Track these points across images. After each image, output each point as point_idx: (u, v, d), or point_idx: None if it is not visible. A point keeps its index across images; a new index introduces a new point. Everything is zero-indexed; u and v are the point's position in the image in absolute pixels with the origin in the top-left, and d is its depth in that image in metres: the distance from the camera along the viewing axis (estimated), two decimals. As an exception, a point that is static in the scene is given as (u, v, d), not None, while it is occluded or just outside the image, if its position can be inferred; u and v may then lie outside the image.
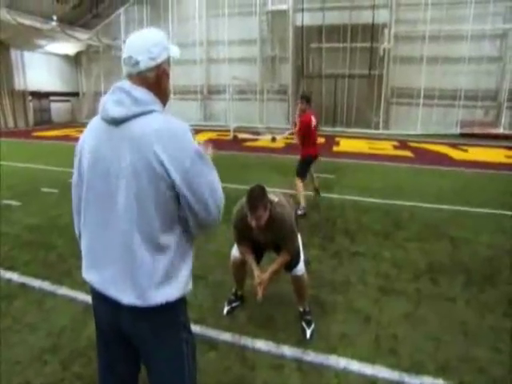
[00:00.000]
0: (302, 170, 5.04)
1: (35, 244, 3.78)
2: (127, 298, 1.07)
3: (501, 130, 14.92)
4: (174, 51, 1.17)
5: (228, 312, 2.59)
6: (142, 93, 1.07)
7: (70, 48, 20.80)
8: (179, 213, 1.10)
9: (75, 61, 22.54)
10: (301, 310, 2.49)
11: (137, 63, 1.09)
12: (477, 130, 14.83)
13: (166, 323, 1.15)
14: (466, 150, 11.31)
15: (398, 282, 3.04)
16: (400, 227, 4.38)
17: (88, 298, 2.69)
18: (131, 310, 1.08)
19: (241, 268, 2.56)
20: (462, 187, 6.56)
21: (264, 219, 2.10)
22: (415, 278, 3.13)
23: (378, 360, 2.12)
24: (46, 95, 20.05)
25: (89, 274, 1.15)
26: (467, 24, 15.04)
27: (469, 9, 15.00)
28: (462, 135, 14.87)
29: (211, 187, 1.09)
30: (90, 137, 1.13)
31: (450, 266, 3.36)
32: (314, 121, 4.98)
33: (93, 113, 22.77)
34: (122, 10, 20.49)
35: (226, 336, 2.34)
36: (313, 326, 2.40)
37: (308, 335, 2.34)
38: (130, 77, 1.11)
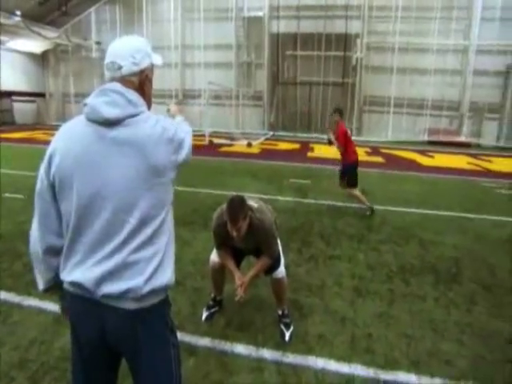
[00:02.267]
0: (354, 178, 5.29)
1: None
2: (117, 287, 1.06)
3: (463, 138, 15.90)
4: (157, 59, 1.21)
5: (207, 318, 2.58)
6: (133, 94, 1.11)
7: (35, 46, 19.89)
8: (168, 208, 1.16)
9: (42, 60, 21.56)
10: (280, 312, 2.53)
11: (119, 68, 1.11)
12: (442, 138, 15.74)
13: (155, 323, 1.15)
14: (432, 157, 11.92)
15: (372, 284, 3.16)
16: (373, 231, 4.55)
17: (58, 308, 2.61)
18: (121, 309, 1.07)
19: (220, 273, 2.57)
20: (429, 192, 6.91)
21: (244, 228, 2.13)
22: (388, 278, 3.27)
23: (355, 358, 2.19)
24: (8, 94, 18.95)
25: (74, 277, 1.10)
26: (432, 38, 15.97)
27: (433, 24, 15.94)
28: (429, 142, 15.71)
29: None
30: (73, 141, 1.09)
31: (420, 267, 3.54)
32: (349, 131, 5.39)
33: (61, 115, 21.94)
34: (92, 10, 19.96)
35: (205, 341, 2.33)
36: (292, 328, 2.44)
37: (287, 337, 2.38)
38: (113, 81, 1.12)
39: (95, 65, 20.42)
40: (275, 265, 2.40)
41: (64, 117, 21.98)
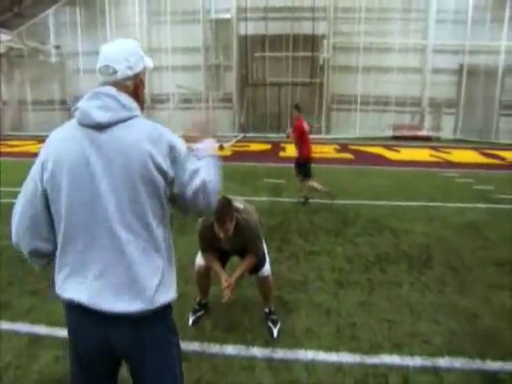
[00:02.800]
0: (308, 171, 5.59)
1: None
2: (128, 306, 1.04)
3: (424, 133, 16.80)
4: (149, 62, 1.20)
5: (193, 322, 2.57)
6: (126, 98, 1.09)
7: (-16, 50, 18.65)
8: (166, 212, 1.15)
9: (-7, 65, 20.29)
10: (266, 310, 2.57)
11: (115, 72, 1.10)
12: (406, 133, 16.54)
13: (160, 327, 1.14)
14: (398, 151, 12.49)
15: (352, 275, 3.29)
16: (348, 224, 4.72)
17: (34, 329, 2.52)
18: (129, 319, 1.05)
19: (205, 276, 2.57)
20: (397, 184, 7.26)
21: (231, 229, 2.17)
22: (366, 269, 3.42)
23: (341, 347, 2.28)
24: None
25: (75, 293, 1.06)
26: (394, 38, 16.76)
27: (395, 25, 16.73)
28: (394, 137, 16.44)
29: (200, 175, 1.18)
30: (65, 147, 1.07)
31: (394, 255, 3.73)
32: (306, 126, 5.58)
33: (18, 124, 20.68)
34: (50, 11, 19.04)
35: (194, 346, 2.32)
36: (279, 324, 2.49)
37: (275, 334, 2.42)
38: (106, 85, 1.10)
39: (55, 70, 19.53)
40: (261, 263, 2.45)
41: (21, 126, 20.74)
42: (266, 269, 2.48)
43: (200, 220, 2.34)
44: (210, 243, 2.36)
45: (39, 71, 19.54)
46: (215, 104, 18.16)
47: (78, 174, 1.04)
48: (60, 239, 1.08)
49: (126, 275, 1.04)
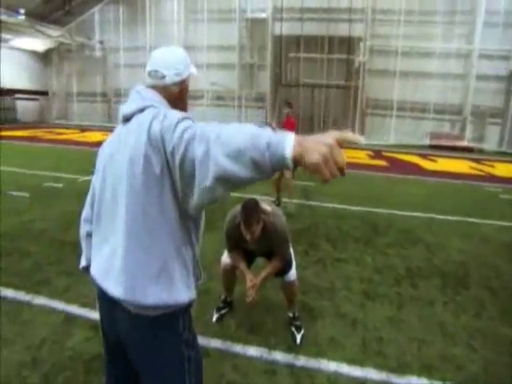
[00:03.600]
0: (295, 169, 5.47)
1: (5, 252, 3.53)
2: (118, 291, 1.04)
3: (465, 143, 15.92)
4: (194, 69, 1.28)
5: (217, 319, 2.59)
6: (150, 93, 1.16)
7: (38, 44, 19.94)
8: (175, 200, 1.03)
9: (45, 58, 21.59)
10: (290, 315, 2.53)
11: (163, 77, 1.17)
12: (444, 142, 15.74)
13: (163, 334, 1.09)
14: (435, 161, 11.94)
15: (381, 287, 3.17)
16: (379, 234, 4.56)
17: (69, 308, 2.64)
18: (125, 311, 1.06)
19: (231, 274, 2.57)
20: (433, 196, 6.92)
21: (258, 232, 2.15)
22: (396, 282, 3.28)
23: (366, 362, 2.20)
24: (11, 92, 18.99)
25: (93, 272, 1.15)
26: (436, 42, 16.01)
27: (437, 28, 15.99)
28: (431, 146, 15.71)
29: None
30: (110, 139, 1.20)
31: (427, 271, 3.54)
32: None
33: (64, 113, 21.96)
34: (96, 9, 20.01)
35: (216, 343, 2.34)
36: (302, 331, 2.44)
37: (298, 340, 2.38)
38: (154, 88, 1.18)
39: (98, 64, 20.49)
40: (287, 267, 2.41)
41: (66, 116, 22.04)
42: (292, 273, 2.44)
43: (227, 220, 2.34)
44: (236, 243, 2.35)
45: (84, 65, 20.62)
46: (248, 103, 18.25)
47: (106, 163, 1.14)
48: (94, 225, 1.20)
49: (121, 264, 1.03)
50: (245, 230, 2.13)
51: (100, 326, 1.24)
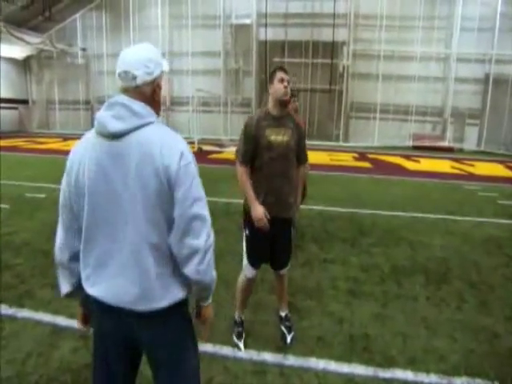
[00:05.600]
0: None
1: (-13, 264, 3.42)
2: (137, 305, 1.12)
3: (446, 144, 16.38)
4: (166, 66, 1.21)
5: (244, 345, 2.38)
6: (140, 106, 1.10)
7: (17, 52, 19.40)
8: None
9: (24, 66, 21.05)
10: (282, 315, 2.56)
11: (134, 78, 1.11)
12: (427, 143, 16.17)
13: (175, 330, 1.20)
14: (418, 161, 12.24)
15: (366, 285, 3.25)
16: (364, 234, 4.66)
17: (56, 319, 2.59)
18: (143, 316, 1.12)
19: (249, 290, 2.49)
20: (415, 195, 7.10)
21: (289, 91, 2.24)
22: (381, 280, 3.36)
23: (354, 358, 2.25)
24: (-13, 101, 18.44)
25: (97, 289, 1.14)
26: (416, 46, 16.50)
27: (417, 33, 16.48)
28: (415, 147, 16.10)
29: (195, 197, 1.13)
30: (89, 152, 1.12)
31: (411, 268, 3.65)
32: None
33: (45, 122, 21.44)
34: (78, 15, 19.76)
35: (206, 347, 2.34)
36: (293, 332, 2.46)
37: (288, 340, 2.41)
38: (127, 90, 1.13)
39: (81, 71, 20.19)
40: (287, 258, 2.45)
41: (48, 124, 21.54)
42: (288, 267, 2.49)
43: (247, 121, 2.30)
44: (255, 136, 2.22)
45: (66, 72, 20.25)
46: (234, 108, 18.30)
47: (98, 183, 1.09)
48: (84, 242, 1.18)
49: (138, 276, 1.14)
50: (282, 78, 2.22)
51: (95, 335, 1.25)
